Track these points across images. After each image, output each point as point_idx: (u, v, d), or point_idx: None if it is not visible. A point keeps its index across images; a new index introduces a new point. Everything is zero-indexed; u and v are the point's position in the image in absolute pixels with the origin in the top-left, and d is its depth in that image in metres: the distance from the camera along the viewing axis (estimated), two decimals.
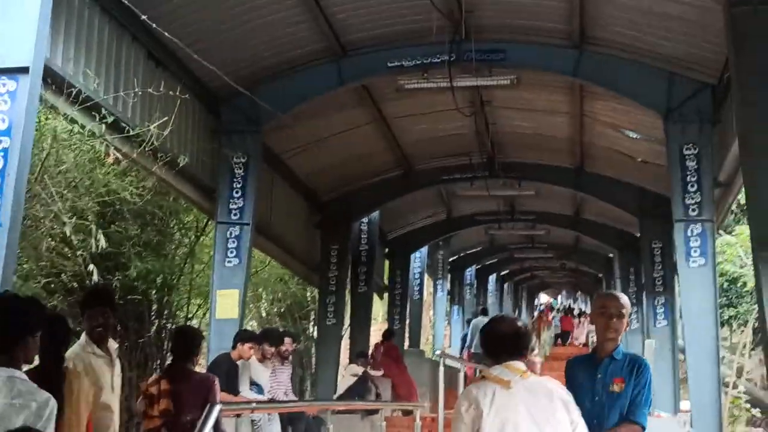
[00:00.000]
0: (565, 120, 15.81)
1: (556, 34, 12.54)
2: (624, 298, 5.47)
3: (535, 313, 55.05)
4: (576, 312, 52.15)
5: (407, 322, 25.76)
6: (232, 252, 12.86)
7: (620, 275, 24.89)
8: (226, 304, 12.70)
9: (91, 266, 9.67)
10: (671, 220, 16.88)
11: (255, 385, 10.99)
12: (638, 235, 22.87)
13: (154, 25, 9.97)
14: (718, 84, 11.89)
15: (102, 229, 14.36)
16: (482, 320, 27.16)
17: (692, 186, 12.08)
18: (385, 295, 24.95)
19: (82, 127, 9.12)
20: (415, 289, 26.75)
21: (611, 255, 30.15)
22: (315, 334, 20.41)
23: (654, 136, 14.75)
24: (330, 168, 17.43)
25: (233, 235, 12.91)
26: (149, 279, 15.86)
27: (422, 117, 16.12)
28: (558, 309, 50.07)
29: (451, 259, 31.56)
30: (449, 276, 32.11)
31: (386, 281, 24.91)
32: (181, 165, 10.91)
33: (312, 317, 23.31)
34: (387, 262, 24.70)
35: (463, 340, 26.44)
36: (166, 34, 10.33)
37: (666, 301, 17.06)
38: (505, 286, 48.16)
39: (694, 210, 12.06)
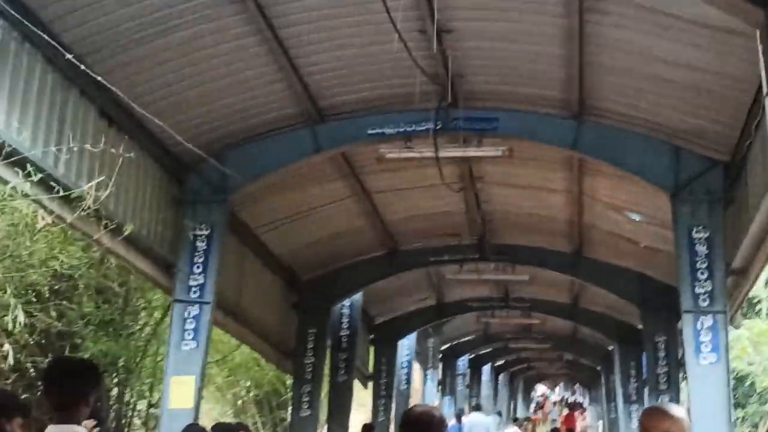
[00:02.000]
0: (563, 199, 14.65)
1: (554, 103, 11.43)
2: (684, 419, 3.97)
3: (532, 406, 53.35)
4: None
5: (393, 414, 24.21)
6: (189, 334, 11.56)
7: (620, 369, 23.43)
8: (181, 392, 11.35)
9: (6, 346, 8.32)
10: (677, 312, 15.81)
11: None
12: (640, 326, 21.70)
13: (103, 81, 8.88)
14: (731, 161, 10.74)
15: (52, 304, 13.17)
16: (477, 416, 25.86)
17: (702, 273, 10.83)
18: (370, 384, 23.46)
19: (5, 183, 7.88)
20: (402, 378, 25.29)
21: (611, 347, 28.78)
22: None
23: (659, 218, 13.59)
24: (309, 245, 16.22)
25: (191, 315, 11.62)
26: (106, 362, 14.52)
27: (407, 192, 14.97)
28: (563, 403, 48.30)
29: (442, 348, 30.18)
30: (440, 365, 30.66)
31: (371, 369, 23.49)
32: (127, 233, 9.63)
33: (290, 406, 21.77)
34: (372, 349, 23.30)
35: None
36: (117, 91, 9.23)
37: (671, 401, 15.62)
38: (501, 376, 46.72)
39: (704, 300, 10.78)
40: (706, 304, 10.75)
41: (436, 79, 10.93)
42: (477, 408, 24.72)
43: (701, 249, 10.86)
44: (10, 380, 12.44)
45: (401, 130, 11.74)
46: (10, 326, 8.40)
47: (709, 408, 10.47)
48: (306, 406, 16.39)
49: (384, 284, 19.49)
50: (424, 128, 11.57)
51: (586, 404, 55.81)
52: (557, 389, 70.80)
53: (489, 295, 22.48)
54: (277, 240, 15.41)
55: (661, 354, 15.86)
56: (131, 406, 16.41)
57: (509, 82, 11.40)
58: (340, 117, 11.95)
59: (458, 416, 25.25)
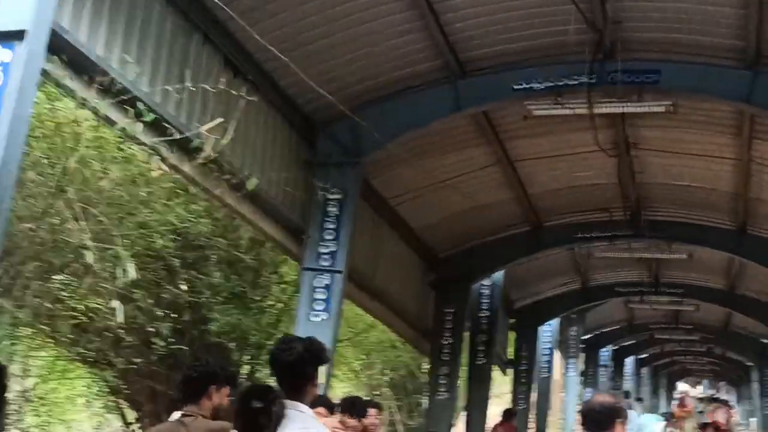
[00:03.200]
0: (728, 168, 13.23)
1: (725, 52, 10.09)
2: None
3: (673, 403, 51.11)
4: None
5: (533, 402, 23.07)
6: (319, 305, 10.79)
7: None
8: None
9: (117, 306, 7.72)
10: None
11: None
12: None
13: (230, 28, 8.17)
14: None
15: (182, 273, 12.67)
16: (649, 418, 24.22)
17: None
18: (510, 371, 22.37)
19: (116, 126, 7.21)
20: (543, 366, 24.07)
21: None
22: None
23: None
24: (447, 219, 15.25)
25: (322, 285, 10.85)
26: (235, 336, 13.96)
27: (554, 161, 13.82)
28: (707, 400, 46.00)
29: (584, 337, 28.75)
30: (583, 355, 29.23)
31: (511, 355, 22.40)
32: (251, 188, 8.86)
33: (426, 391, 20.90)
34: (512, 335, 22.20)
35: None
36: (241, 38, 8.49)
37: None
38: (643, 370, 44.77)
39: None
40: None
41: (591, 26, 9.81)
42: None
43: None
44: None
45: (551, 84, 10.62)
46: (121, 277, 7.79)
47: None
48: (443, 389, 15.45)
49: (526, 266, 18.38)
50: (576, 82, 10.45)
51: (732, 402, 53.23)
52: (699, 387, 67.90)
53: (638, 279, 20.99)
54: (413, 212, 14.52)
55: None
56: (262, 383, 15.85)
57: (673, 29, 10.14)
58: (484, 71, 10.93)
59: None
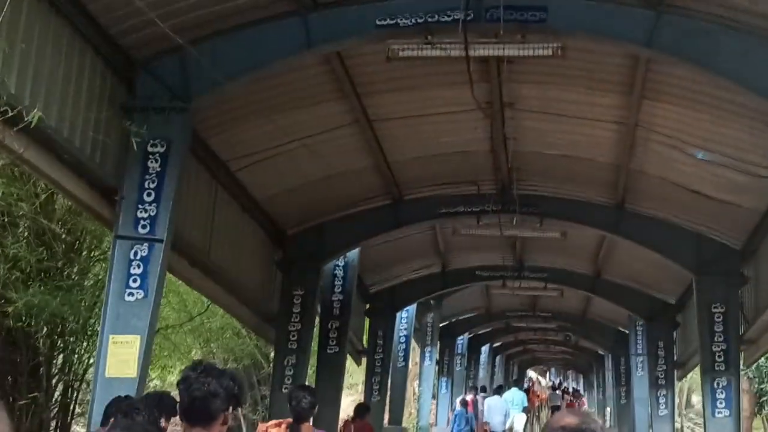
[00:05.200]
0: (611, 135, 11.89)
1: None
2: None
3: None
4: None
5: (388, 393, 21.51)
6: (134, 280, 8.75)
7: (647, 351, 20.77)
8: (122, 355, 8.56)
9: None
10: (738, 278, 13.23)
11: None
12: (671, 302, 19.08)
13: None
14: None
15: None
16: (497, 400, 23.78)
17: None
18: (364, 360, 20.70)
19: None
20: (399, 355, 22.55)
21: (623, 330, 26.24)
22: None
23: (734, 158, 10.89)
24: (296, 190, 13.40)
25: (139, 257, 8.81)
26: (42, 319, 11.75)
27: (419, 122, 12.15)
28: (558, 389, 45.99)
29: (441, 325, 27.47)
30: (438, 344, 27.94)
31: (365, 344, 20.77)
32: (33, 123, 6.75)
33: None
34: (367, 321, 20.56)
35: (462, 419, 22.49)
36: None
37: (729, 383, 12.93)
38: (497, 358, 44.27)
39: None
40: None
41: None
42: (499, 390, 22.60)
43: None
44: None
45: (420, 20, 8.89)
46: None
47: None
48: (289, 381, 13.56)
49: (384, 245, 16.74)
50: (450, 19, 8.76)
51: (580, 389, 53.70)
52: (548, 375, 68.57)
53: (501, 263, 19.67)
54: (257, 180, 12.61)
55: (718, 328, 13.11)
56: (79, 377, 13.61)
57: None
58: (340, 3, 9.12)
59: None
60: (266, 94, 10.72)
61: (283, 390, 13.30)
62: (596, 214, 14.22)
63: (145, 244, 8.83)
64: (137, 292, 8.71)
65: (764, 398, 24.42)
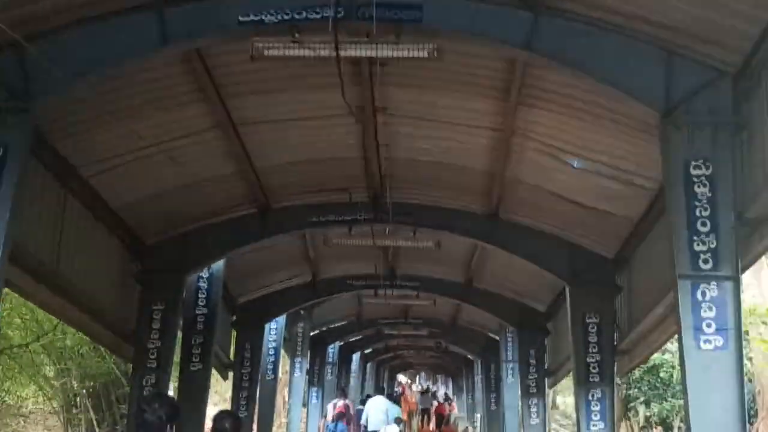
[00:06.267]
0: (486, 142, 11.50)
1: None
2: None
3: (396, 390, 51.04)
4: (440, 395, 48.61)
5: (256, 407, 20.70)
6: None
7: (519, 359, 20.62)
8: None
9: None
10: (612, 287, 13.09)
11: None
12: (541, 309, 18.97)
13: None
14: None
15: None
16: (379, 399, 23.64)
17: (704, 225, 7.84)
18: (231, 374, 19.84)
19: None
20: (268, 367, 21.77)
21: (494, 336, 26.17)
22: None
23: (609, 166, 10.68)
24: (156, 197, 12.52)
25: None
26: None
27: (288, 126, 11.50)
28: (429, 394, 45.93)
29: (312, 334, 26.83)
30: (309, 353, 27.29)
31: (232, 357, 19.91)
32: None
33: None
34: (234, 334, 19.71)
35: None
36: None
37: (603, 395, 12.75)
38: (368, 365, 43.97)
39: (706, 262, 7.78)
40: (708, 266, 7.76)
41: None
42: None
43: (701, 191, 7.88)
44: None
45: (287, 17, 8.26)
46: None
47: (717, 408, 7.50)
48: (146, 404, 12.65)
49: (251, 255, 16.01)
50: (319, 16, 8.15)
51: (449, 393, 53.91)
52: (417, 378, 68.84)
53: (374, 272, 19.17)
54: (112, 187, 11.67)
55: (592, 339, 12.92)
56: None
57: None
58: None
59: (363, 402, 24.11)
60: (120, 94, 9.86)
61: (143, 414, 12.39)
62: (470, 223, 13.86)
63: None
64: None
65: (631, 404, 24.71)
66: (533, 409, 19.39)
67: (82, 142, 10.48)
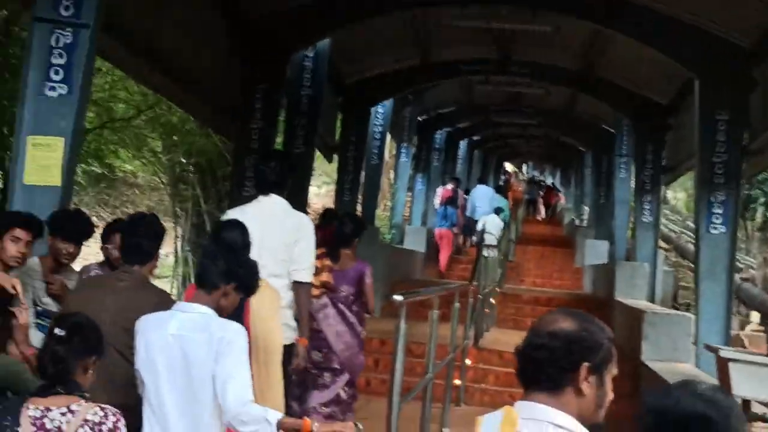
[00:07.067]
0: None
1: None
2: None
3: (502, 178, 50.80)
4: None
5: (361, 191, 20.55)
6: (56, 72, 7.41)
7: (634, 153, 19.74)
8: (43, 160, 7.35)
9: None
10: (746, 81, 11.98)
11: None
12: (663, 102, 17.88)
13: None
14: None
15: None
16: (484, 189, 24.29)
17: None
18: (335, 157, 19.57)
19: None
20: (374, 151, 21.42)
21: (608, 129, 25.20)
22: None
23: None
24: None
25: (62, 44, 7.43)
26: None
27: None
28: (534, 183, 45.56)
29: (419, 119, 26.26)
30: (415, 138, 26.85)
31: (338, 139, 19.59)
32: None
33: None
34: (340, 116, 19.28)
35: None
36: None
37: (727, 198, 11.93)
38: (475, 153, 43.37)
39: None
40: None
41: None
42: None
43: None
44: None
45: None
46: None
47: None
48: (250, 184, 12.45)
49: (359, 36, 15.24)
50: None
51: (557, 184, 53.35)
52: (524, 167, 68.21)
53: (486, 56, 18.22)
54: None
55: (721, 138, 11.96)
56: None
57: None
58: None
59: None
60: None
61: (244, 194, 12.21)
62: (594, 5, 12.71)
63: (69, 29, 7.43)
64: (60, 87, 7.39)
65: (752, 205, 23.71)
66: (646, 206, 18.71)
67: None
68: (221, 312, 4.61)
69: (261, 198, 6.79)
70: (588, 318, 2.63)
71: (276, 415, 4.32)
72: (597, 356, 2.55)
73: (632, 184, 21.42)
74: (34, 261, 6.14)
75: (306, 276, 6.71)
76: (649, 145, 18.77)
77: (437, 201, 26.65)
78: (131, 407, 4.46)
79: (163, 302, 4.90)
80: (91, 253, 9.05)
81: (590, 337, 2.54)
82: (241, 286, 4.73)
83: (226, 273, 4.63)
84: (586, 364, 2.54)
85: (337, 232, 8.70)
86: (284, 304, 6.52)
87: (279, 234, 6.50)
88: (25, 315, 4.64)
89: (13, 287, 5.18)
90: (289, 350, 6.46)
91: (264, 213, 6.46)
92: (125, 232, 5.48)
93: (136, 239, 5.26)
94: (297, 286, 6.68)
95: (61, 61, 7.40)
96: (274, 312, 6.03)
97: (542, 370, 2.54)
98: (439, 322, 8.10)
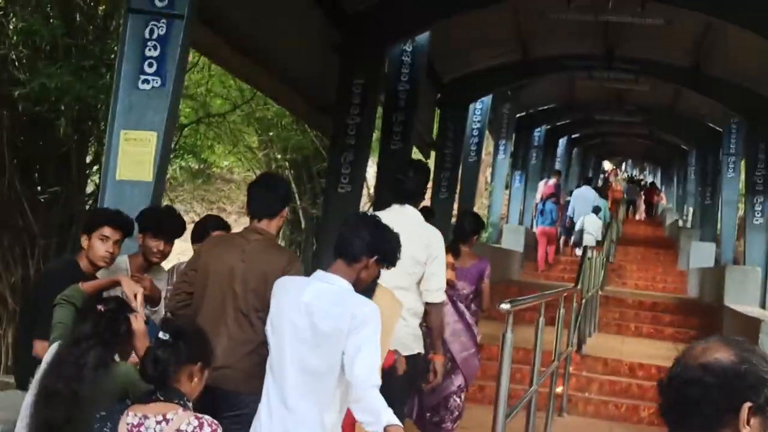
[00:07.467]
0: None
1: None
2: None
3: (600, 177, 49.77)
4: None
5: (458, 189, 20.12)
6: (150, 65, 7.23)
7: (745, 152, 18.87)
8: (135, 155, 7.17)
9: None
10: None
11: None
12: None
13: None
14: None
15: None
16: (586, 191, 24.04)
17: None
18: (432, 154, 19.18)
19: None
20: (471, 148, 20.96)
21: (715, 126, 24.27)
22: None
23: None
24: None
25: (155, 36, 7.25)
26: (65, 102, 10.38)
27: None
28: (634, 181, 44.46)
29: (518, 116, 25.70)
30: (513, 135, 26.29)
31: (435, 136, 19.21)
32: None
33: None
34: (437, 112, 18.89)
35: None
36: None
37: None
38: (574, 151, 42.48)
39: None
40: None
41: None
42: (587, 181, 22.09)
43: None
44: None
45: None
46: None
47: None
48: (346, 180, 12.17)
49: (458, 30, 14.81)
50: None
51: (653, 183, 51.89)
52: (624, 165, 66.71)
53: (589, 52, 17.60)
54: None
55: None
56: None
57: None
58: None
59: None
60: None
61: (339, 190, 11.95)
62: None
63: (163, 20, 7.24)
64: (153, 80, 7.20)
65: None
66: (757, 208, 17.84)
67: None
68: (359, 284, 4.45)
69: (395, 207, 6.48)
70: (747, 347, 2.21)
71: (392, 419, 4.02)
72: (762, 395, 2.14)
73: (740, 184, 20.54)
74: (122, 260, 5.93)
75: (438, 297, 6.43)
76: (761, 144, 17.91)
77: (538, 196, 26.15)
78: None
79: (292, 264, 4.95)
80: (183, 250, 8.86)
81: (753, 372, 2.12)
82: (384, 259, 4.58)
83: (369, 245, 4.47)
84: (748, 404, 2.13)
85: (456, 228, 8.39)
86: (409, 314, 6.23)
87: (410, 247, 6.18)
88: (140, 322, 4.45)
89: (135, 295, 4.94)
90: (412, 361, 6.23)
91: (397, 223, 6.13)
92: (252, 188, 5.42)
93: (263, 193, 5.27)
94: (429, 306, 6.43)
95: (155, 54, 7.21)
96: (389, 324, 5.72)
97: (696, 411, 2.14)
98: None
